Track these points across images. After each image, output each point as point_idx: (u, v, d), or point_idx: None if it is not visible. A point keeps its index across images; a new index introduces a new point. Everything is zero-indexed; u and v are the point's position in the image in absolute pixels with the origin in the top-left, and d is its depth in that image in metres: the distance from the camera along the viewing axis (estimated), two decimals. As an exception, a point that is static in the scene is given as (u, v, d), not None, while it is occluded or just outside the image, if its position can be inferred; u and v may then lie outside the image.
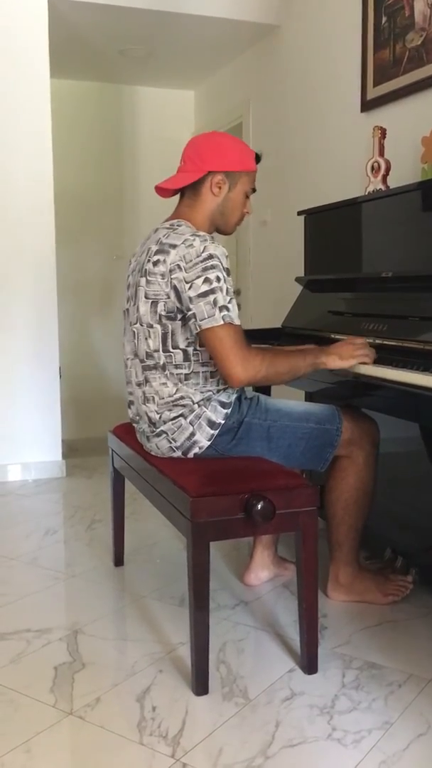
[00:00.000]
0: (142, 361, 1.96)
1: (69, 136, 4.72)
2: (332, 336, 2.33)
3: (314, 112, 3.65)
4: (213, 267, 1.80)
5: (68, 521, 3.09)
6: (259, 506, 1.70)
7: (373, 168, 2.62)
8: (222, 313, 1.79)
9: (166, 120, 5.12)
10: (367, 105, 3.16)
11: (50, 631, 2.06)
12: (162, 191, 2.06)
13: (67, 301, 4.62)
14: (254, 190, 2.07)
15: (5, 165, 3.63)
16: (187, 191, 2.02)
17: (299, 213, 2.89)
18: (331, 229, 2.76)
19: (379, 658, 1.89)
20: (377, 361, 1.97)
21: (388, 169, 2.59)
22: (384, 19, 3.01)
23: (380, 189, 2.57)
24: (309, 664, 1.82)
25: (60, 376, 3.85)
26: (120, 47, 4.25)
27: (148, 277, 1.88)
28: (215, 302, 1.79)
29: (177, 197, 2.10)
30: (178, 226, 1.93)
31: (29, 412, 3.77)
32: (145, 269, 1.89)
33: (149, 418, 1.97)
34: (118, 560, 2.54)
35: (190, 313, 1.81)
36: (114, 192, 5.04)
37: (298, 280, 2.80)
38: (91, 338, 5.03)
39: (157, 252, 1.87)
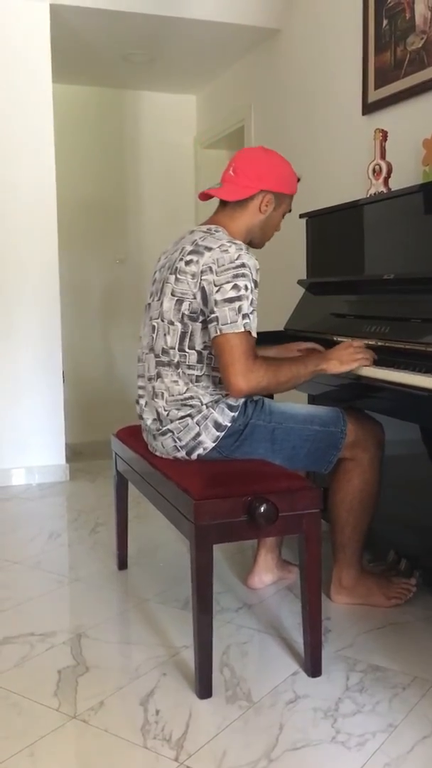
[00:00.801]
0: (157, 356, 1.97)
1: (71, 140, 4.73)
2: (334, 338, 2.33)
3: (316, 116, 3.65)
4: (244, 275, 1.82)
5: (72, 525, 3.09)
6: (262, 509, 1.70)
7: (374, 170, 2.63)
8: (244, 321, 1.81)
9: (168, 124, 5.13)
10: (368, 108, 3.17)
11: (54, 634, 2.06)
12: (205, 196, 2.06)
13: (70, 305, 4.63)
14: (290, 211, 2.14)
15: (8, 170, 3.65)
16: (232, 202, 2.03)
17: (301, 216, 2.90)
18: (332, 231, 2.76)
19: (383, 660, 1.89)
20: (380, 363, 1.97)
21: (389, 172, 2.59)
22: (385, 22, 3.02)
23: (382, 191, 2.57)
24: (313, 666, 1.82)
25: (63, 380, 3.86)
26: (122, 52, 4.27)
27: (178, 275, 1.89)
28: (239, 309, 1.80)
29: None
30: (216, 231, 1.95)
31: (33, 416, 3.78)
32: (176, 267, 1.91)
33: (157, 413, 1.97)
34: (122, 564, 2.55)
35: (212, 315, 1.83)
36: (116, 196, 5.05)
37: (300, 282, 2.80)
38: (94, 342, 5.04)
39: (191, 252, 1.89)
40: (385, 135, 2.64)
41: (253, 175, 2.00)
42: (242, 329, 1.80)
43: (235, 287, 1.81)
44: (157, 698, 1.73)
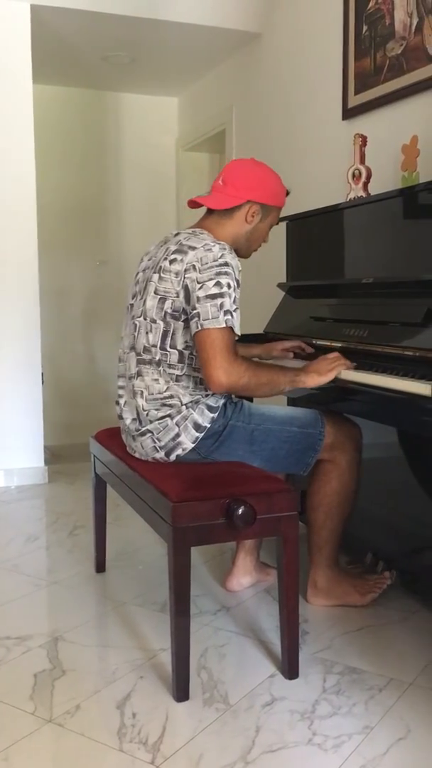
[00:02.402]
0: (138, 354, 1.97)
1: (52, 141, 4.71)
2: (314, 341, 2.34)
3: (296, 120, 3.67)
4: (227, 273, 1.84)
5: (50, 527, 3.07)
6: (240, 511, 1.70)
7: (354, 175, 2.64)
8: (225, 317, 1.82)
9: (149, 126, 5.12)
10: (348, 113, 3.19)
11: (30, 638, 2.05)
12: (194, 203, 2.08)
13: (49, 306, 4.60)
14: (277, 223, 2.16)
15: (-13, 170, 3.62)
16: (219, 210, 2.05)
17: (281, 219, 2.90)
18: (312, 235, 2.77)
19: (360, 662, 1.89)
20: (358, 366, 1.98)
21: (368, 177, 2.61)
22: (365, 27, 3.04)
23: (361, 196, 2.59)
24: (290, 669, 1.82)
25: (42, 382, 3.84)
26: (103, 54, 4.26)
27: (162, 274, 1.90)
28: (221, 306, 1.81)
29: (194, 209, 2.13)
30: (200, 233, 1.97)
31: (11, 418, 3.75)
32: (161, 266, 1.92)
33: (137, 413, 1.97)
34: (100, 566, 2.53)
35: (194, 312, 1.83)
36: (97, 198, 5.03)
37: (280, 285, 2.81)
38: (74, 344, 5.02)
39: (176, 251, 1.90)
40: (364, 140, 2.66)
41: (241, 185, 2.02)
42: (224, 325, 1.81)
43: (218, 284, 1.82)
44: (134, 701, 1.73)
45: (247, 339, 2.69)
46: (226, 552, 2.67)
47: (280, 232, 2.99)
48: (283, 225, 2.93)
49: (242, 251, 2.10)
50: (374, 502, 2.43)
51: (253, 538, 2.24)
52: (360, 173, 2.62)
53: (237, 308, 1.87)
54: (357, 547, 2.45)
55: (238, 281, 1.88)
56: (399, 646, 1.98)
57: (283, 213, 2.98)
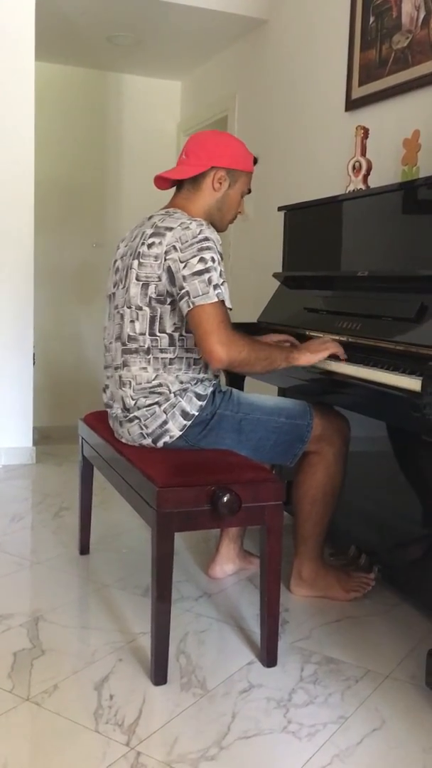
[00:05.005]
0: (123, 344, 1.96)
1: (52, 120, 4.67)
2: (307, 333, 2.34)
3: (299, 109, 3.65)
4: (209, 248, 1.83)
5: (35, 508, 3.07)
6: (225, 498, 1.71)
7: (354, 167, 2.63)
8: (216, 291, 1.80)
9: (151, 109, 5.09)
10: (351, 104, 3.17)
11: (11, 617, 2.05)
12: (161, 182, 2.07)
13: (43, 287, 4.58)
14: (249, 191, 2.11)
15: (-14, 146, 3.59)
16: (186, 184, 2.04)
17: (279, 209, 2.90)
18: (310, 226, 2.77)
19: (338, 653, 1.91)
20: (350, 359, 1.98)
21: (369, 169, 2.60)
22: (372, 19, 3.02)
23: (361, 188, 2.58)
24: (268, 657, 1.83)
25: (34, 363, 3.82)
26: (108, 34, 4.22)
27: (141, 260, 1.88)
28: (209, 280, 1.80)
29: (169, 190, 2.10)
30: (174, 212, 1.95)
31: (1, 398, 3.74)
32: (139, 252, 1.90)
33: (124, 403, 1.96)
34: (84, 548, 2.54)
35: (183, 291, 1.81)
36: (95, 179, 5.00)
37: (275, 275, 2.80)
38: (67, 326, 5.00)
39: (153, 235, 1.88)
40: (366, 132, 2.65)
41: (203, 154, 2.00)
42: (215, 299, 1.80)
43: (202, 260, 1.81)
44: (112, 683, 1.73)
45: (239, 328, 2.68)
46: (211, 539, 2.67)
47: (277, 221, 2.99)
48: (280, 214, 2.92)
49: (216, 223, 2.06)
50: (359, 496, 2.43)
51: (238, 526, 2.24)
52: (360, 165, 2.61)
53: (224, 281, 1.84)
54: (341, 539, 2.46)
55: (221, 254, 1.87)
56: (378, 638, 2.00)
57: (282, 202, 2.99)
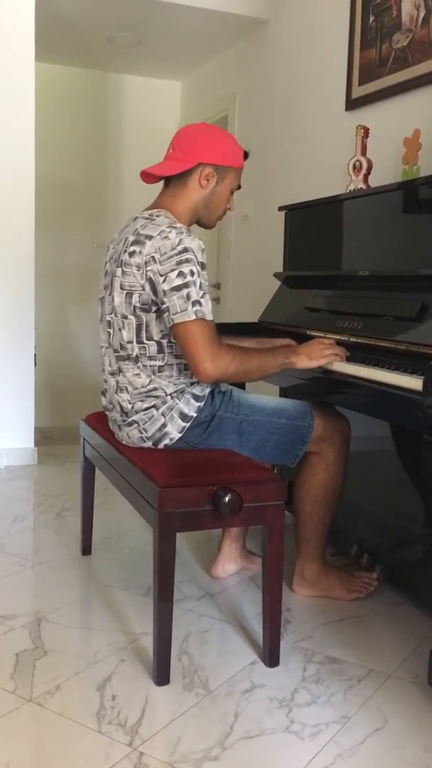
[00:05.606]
0: (116, 351, 1.95)
1: (52, 120, 4.67)
2: (308, 332, 2.34)
3: (299, 108, 3.65)
4: (187, 261, 1.79)
5: (37, 508, 3.07)
6: (227, 498, 1.71)
7: (354, 167, 2.63)
8: (195, 308, 1.78)
9: (151, 109, 5.09)
10: (351, 104, 3.17)
11: (14, 617, 2.05)
12: (147, 177, 2.02)
13: (45, 288, 4.58)
14: (239, 187, 2.07)
15: (-14, 147, 3.59)
16: (173, 180, 2.00)
17: (280, 208, 2.90)
18: (311, 225, 2.76)
19: (341, 653, 1.91)
20: (351, 359, 1.98)
21: (369, 169, 2.60)
22: (372, 18, 3.02)
23: (361, 188, 2.58)
24: (271, 657, 1.83)
25: (35, 364, 3.82)
26: (108, 34, 4.22)
27: (124, 268, 1.86)
28: (188, 297, 1.78)
29: (159, 185, 2.08)
30: (156, 216, 1.91)
31: (3, 399, 3.74)
32: (122, 260, 1.88)
33: (121, 408, 1.96)
34: (86, 549, 2.54)
35: (164, 306, 1.81)
36: (96, 179, 5.00)
37: (276, 275, 2.80)
38: (69, 326, 5.00)
39: (134, 243, 1.86)
40: (366, 131, 2.65)
41: (190, 149, 1.95)
42: (194, 317, 1.77)
43: (181, 274, 1.77)
44: (114, 684, 1.73)
45: (241, 328, 2.69)
46: (213, 539, 2.67)
47: (277, 221, 2.99)
48: (281, 214, 2.92)
49: (204, 220, 2.03)
50: (361, 496, 2.43)
51: (239, 526, 2.24)
52: (361, 165, 2.61)
53: (204, 293, 1.81)
54: (343, 539, 2.46)
55: (202, 263, 1.82)
56: (380, 637, 1.99)
57: (282, 202, 2.99)
